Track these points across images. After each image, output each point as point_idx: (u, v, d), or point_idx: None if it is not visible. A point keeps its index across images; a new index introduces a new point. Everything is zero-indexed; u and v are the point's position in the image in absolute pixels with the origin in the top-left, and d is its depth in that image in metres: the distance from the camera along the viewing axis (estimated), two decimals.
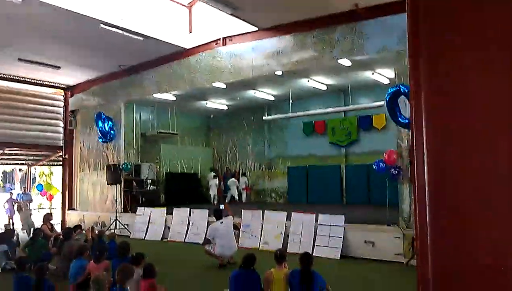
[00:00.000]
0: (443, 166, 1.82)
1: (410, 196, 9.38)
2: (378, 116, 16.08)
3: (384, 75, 13.89)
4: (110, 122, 13.84)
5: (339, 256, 9.67)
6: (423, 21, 1.89)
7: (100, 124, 13.66)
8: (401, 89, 8.07)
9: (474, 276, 1.60)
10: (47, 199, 18.49)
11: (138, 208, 14.59)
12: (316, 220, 10.51)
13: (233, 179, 18.78)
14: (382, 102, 13.53)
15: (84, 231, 10.36)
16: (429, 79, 1.90)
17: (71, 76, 16.02)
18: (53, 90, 17.26)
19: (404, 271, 8.41)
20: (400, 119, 8.17)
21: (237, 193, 18.53)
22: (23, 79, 15.74)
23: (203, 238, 11.18)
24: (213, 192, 18.09)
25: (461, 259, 1.69)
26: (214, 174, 18.95)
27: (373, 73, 13.76)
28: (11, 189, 23.75)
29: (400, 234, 9.23)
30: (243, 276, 5.75)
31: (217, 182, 18.60)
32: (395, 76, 10.00)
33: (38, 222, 14.06)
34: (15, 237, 11.07)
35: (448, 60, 1.85)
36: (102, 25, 10.71)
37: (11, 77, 15.35)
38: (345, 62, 11.82)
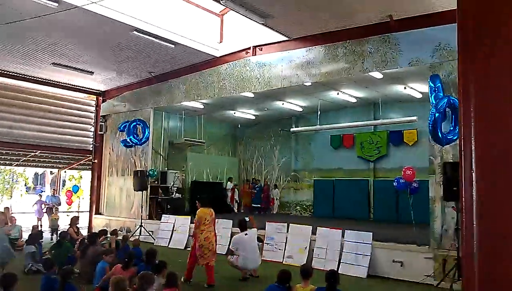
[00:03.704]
0: (493, 180, 1.66)
1: (442, 215, 9.00)
2: (409, 131, 15.67)
3: (416, 89, 13.53)
4: (141, 124, 14.15)
5: (366, 274, 9.34)
6: (472, 30, 1.75)
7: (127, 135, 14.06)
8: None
9: None
10: (66, 203, 18.72)
11: (163, 215, 14.61)
12: (342, 236, 10.22)
13: (277, 189, 18.97)
14: (414, 117, 13.21)
15: (108, 238, 10.36)
16: (479, 88, 1.74)
17: (103, 82, 16.32)
18: (86, 95, 17.61)
19: None
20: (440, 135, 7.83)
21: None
22: (57, 83, 16.10)
23: (226, 248, 11.05)
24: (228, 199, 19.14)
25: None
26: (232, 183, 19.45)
27: (405, 88, 13.40)
28: (42, 191, 24.33)
29: (431, 254, 8.85)
30: None
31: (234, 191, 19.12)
32: (429, 91, 9.67)
33: (65, 225, 14.27)
34: (42, 239, 11.22)
35: (500, 68, 1.69)
36: (134, 32, 10.84)
37: (46, 81, 15.71)
38: (377, 74, 11.57)
